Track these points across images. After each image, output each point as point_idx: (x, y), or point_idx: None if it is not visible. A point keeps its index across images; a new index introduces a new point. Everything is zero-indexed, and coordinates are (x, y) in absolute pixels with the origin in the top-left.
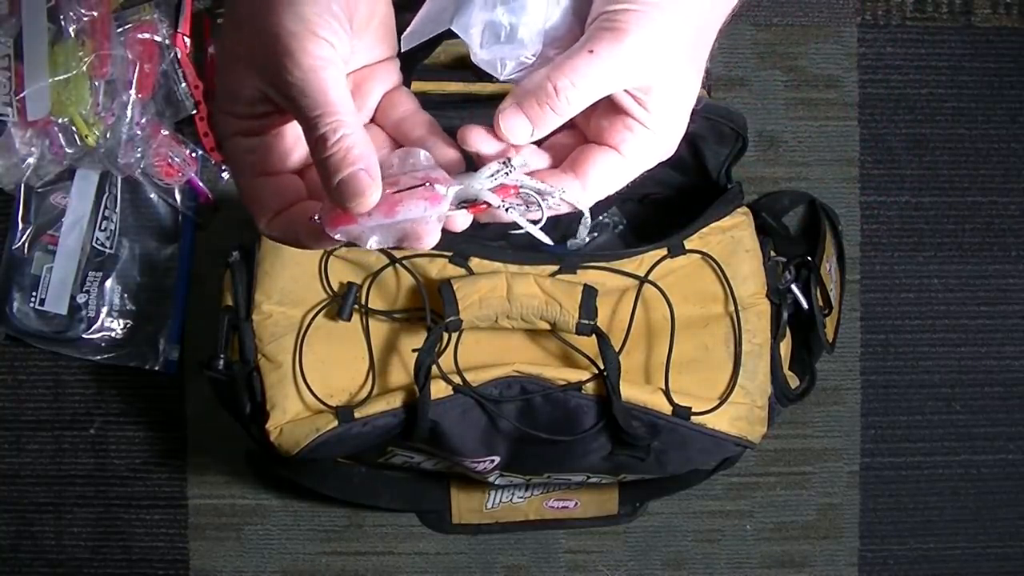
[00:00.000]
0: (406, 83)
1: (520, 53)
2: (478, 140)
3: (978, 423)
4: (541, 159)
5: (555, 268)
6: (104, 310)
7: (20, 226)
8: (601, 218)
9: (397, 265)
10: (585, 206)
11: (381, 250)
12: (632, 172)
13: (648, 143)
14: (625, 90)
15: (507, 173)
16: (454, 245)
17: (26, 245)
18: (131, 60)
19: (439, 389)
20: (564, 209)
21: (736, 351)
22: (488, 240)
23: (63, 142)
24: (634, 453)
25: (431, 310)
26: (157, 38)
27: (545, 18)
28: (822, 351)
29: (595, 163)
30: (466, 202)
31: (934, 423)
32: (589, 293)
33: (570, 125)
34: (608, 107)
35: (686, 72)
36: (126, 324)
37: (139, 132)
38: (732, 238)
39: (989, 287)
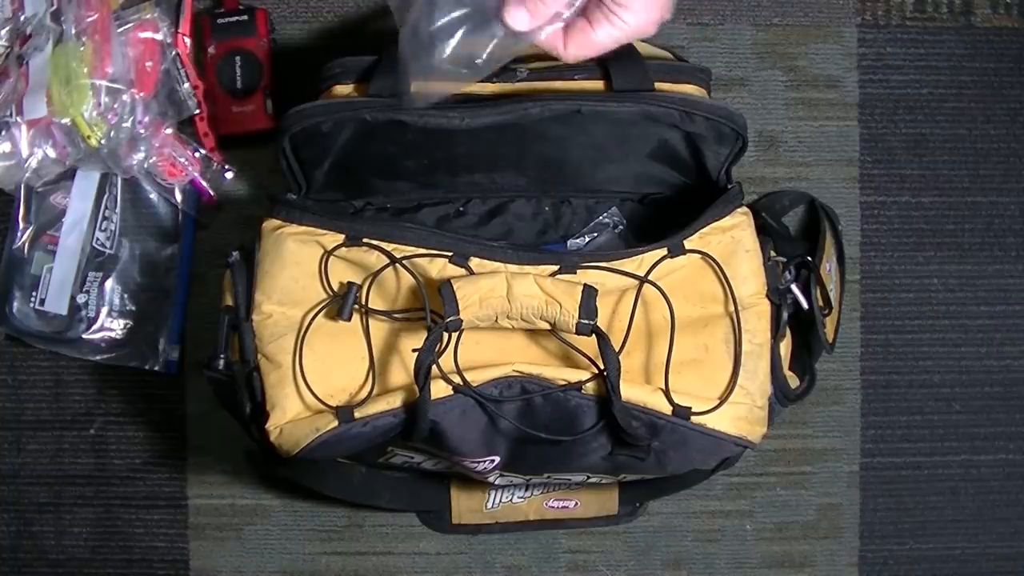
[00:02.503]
0: (406, 83)
1: None
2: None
3: (978, 423)
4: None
5: (555, 268)
6: (104, 310)
7: (20, 226)
8: (601, 218)
9: (397, 265)
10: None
11: (381, 250)
12: (602, 46)
13: (615, 24)
14: None
15: None
16: (454, 245)
17: (26, 245)
18: (132, 59)
19: (439, 389)
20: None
21: (736, 351)
22: (488, 240)
23: (65, 143)
24: (634, 453)
25: (431, 310)
26: (158, 36)
27: None
28: (822, 351)
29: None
30: None
31: (934, 423)
32: (589, 293)
33: None
34: None
35: None
36: (126, 324)
37: (142, 132)
38: (732, 238)
39: (989, 287)
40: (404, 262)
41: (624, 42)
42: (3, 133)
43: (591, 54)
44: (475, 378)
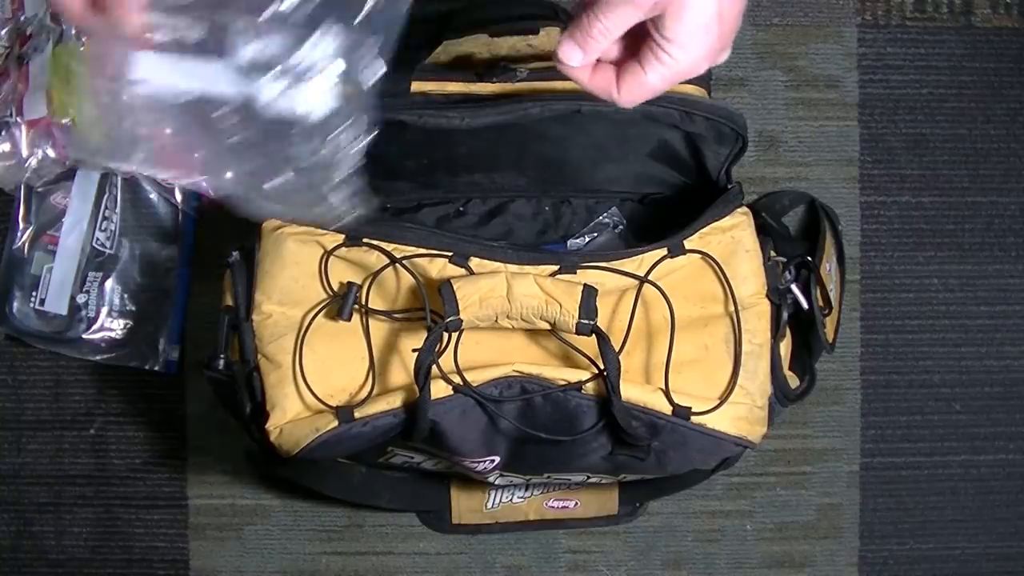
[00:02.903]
0: (405, 84)
1: None
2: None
3: (978, 423)
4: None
5: (555, 268)
6: (104, 310)
7: (20, 226)
8: (601, 218)
9: (397, 265)
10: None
11: (381, 250)
12: (655, 87)
13: (665, 62)
14: (649, 19)
15: None
16: (454, 245)
17: (26, 245)
18: None
19: (439, 389)
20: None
21: (736, 351)
22: (488, 240)
23: (65, 143)
24: (634, 453)
25: (431, 310)
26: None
27: None
28: (822, 351)
29: (624, 76)
30: None
31: (934, 423)
32: (589, 293)
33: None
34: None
35: (693, 3)
36: (126, 324)
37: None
38: (732, 238)
39: (989, 287)
40: (404, 262)
41: (677, 81)
42: (3, 133)
43: (645, 97)
44: (475, 378)
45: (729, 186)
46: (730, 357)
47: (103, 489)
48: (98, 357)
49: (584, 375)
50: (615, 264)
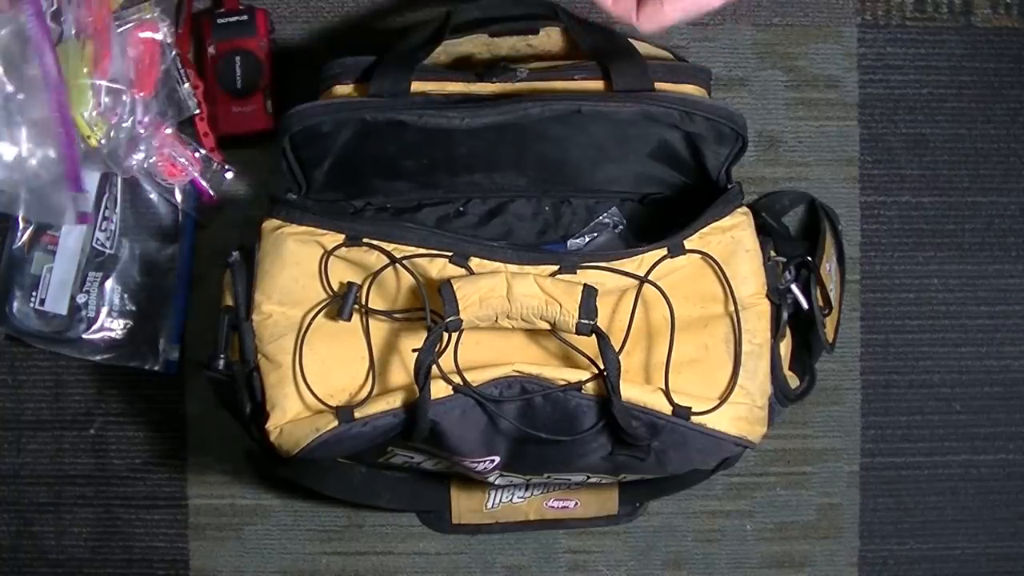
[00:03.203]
0: (405, 84)
1: None
2: None
3: (978, 423)
4: None
5: (555, 268)
6: (104, 310)
7: (20, 226)
8: (601, 218)
9: (397, 265)
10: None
11: (381, 250)
12: (671, 17)
13: None
14: None
15: None
16: (454, 245)
17: (26, 245)
18: (132, 59)
19: (439, 389)
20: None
21: (736, 351)
22: (488, 240)
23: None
24: (634, 453)
25: (431, 310)
26: (158, 36)
27: None
28: (822, 351)
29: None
30: None
31: (934, 423)
32: (589, 293)
33: None
34: None
35: None
36: (126, 324)
37: (142, 132)
38: (732, 238)
39: (989, 287)
40: (404, 262)
41: (693, 15)
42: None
43: (662, 25)
44: (475, 378)
45: (729, 186)
46: (730, 357)
47: (103, 489)
48: (98, 357)
49: (584, 375)
50: (615, 264)
